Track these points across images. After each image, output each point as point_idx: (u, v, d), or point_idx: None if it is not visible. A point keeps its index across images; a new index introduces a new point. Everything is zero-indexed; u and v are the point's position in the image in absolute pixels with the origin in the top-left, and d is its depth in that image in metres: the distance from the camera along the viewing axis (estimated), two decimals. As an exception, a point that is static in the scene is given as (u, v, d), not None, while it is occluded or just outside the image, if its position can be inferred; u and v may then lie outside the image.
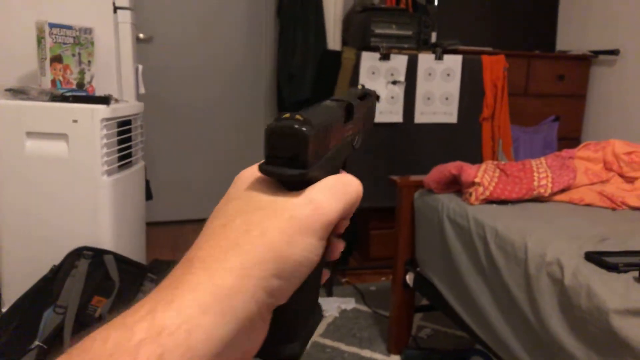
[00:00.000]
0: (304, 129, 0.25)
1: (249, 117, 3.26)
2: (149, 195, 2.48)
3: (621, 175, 1.59)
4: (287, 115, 0.26)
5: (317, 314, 0.31)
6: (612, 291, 0.99)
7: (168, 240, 2.93)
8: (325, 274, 0.31)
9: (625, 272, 1.05)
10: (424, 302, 1.89)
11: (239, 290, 0.23)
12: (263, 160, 0.27)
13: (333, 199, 0.27)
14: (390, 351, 1.78)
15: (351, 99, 0.33)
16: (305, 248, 0.25)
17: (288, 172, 0.26)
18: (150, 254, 2.64)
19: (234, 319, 0.23)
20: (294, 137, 0.25)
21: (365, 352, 1.78)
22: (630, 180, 1.57)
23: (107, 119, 1.54)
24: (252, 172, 0.29)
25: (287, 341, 0.28)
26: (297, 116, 0.26)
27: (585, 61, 2.74)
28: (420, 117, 2.27)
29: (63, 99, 1.51)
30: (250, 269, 0.24)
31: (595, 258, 1.09)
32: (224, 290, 0.23)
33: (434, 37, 2.60)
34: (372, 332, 1.90)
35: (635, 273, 1.03)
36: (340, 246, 0.31)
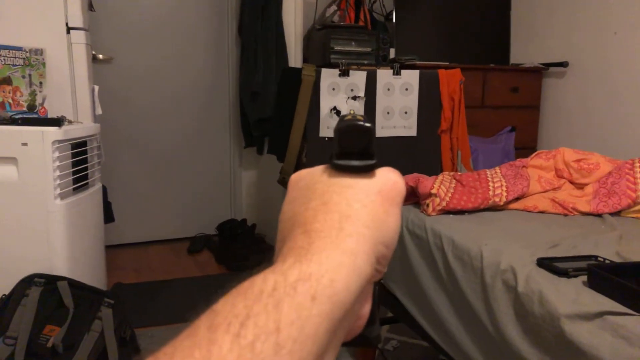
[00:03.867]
0: (368, 124, 0.30)
1: (213, 136, 3.23)
2: (110, 218, 2.42)
3: (571, 182, 1.64)
4: (349, 116, 0.30)
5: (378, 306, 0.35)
6: (562, 296, 1.02)
7: (132, 263, 2.86)
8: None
9: (575, 277, 1.08)
10: (391, 314, 1.89)
11: (360, 252, 0.26)
12: (320, 165, 0.31)
13: (399, 178, 0.31)
14: (357, 366, 1.77)
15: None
16: (396, 218, 0.29)
17: (367, 162, 0.30)
18: (113, 277, 2.57)
19: (359, 276, 0.25)
20: (363, 132, 0.30)
21: (333, 369, 1.76)
22: (580, 186, 1.62)
23: (60, 141, 1.50)
24: (308, 171, 0.32)
25: (370, 324, 0.30)
26: (358, 116, 0.30)
27: (538, 73, 2.84)
28: (380, 131, 2.30)
29: (12, 121, 1.47)
30: (364, 235, 0.27)
31: (546, 264, 1.12)
32: (349, 251, 0.25)
33: (392, 53, 2.66)
34: (339, 347, 1.89)
35: (585, 277, 1.06)
36: None
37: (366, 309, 0.29)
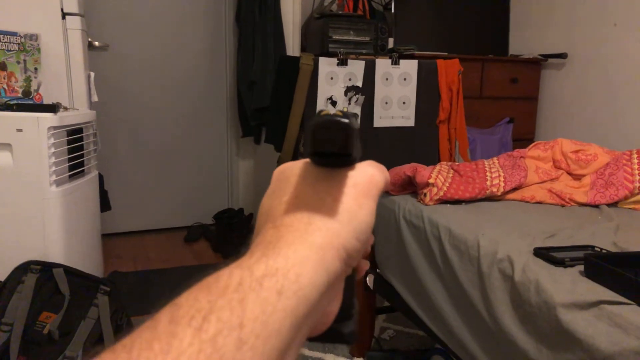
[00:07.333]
0: (346, 120, 0.27)
1: (210, 125, 3.22)
2: (107, 206, 2.41)
3: (569, 173, 1.64)
4: (326, 111, 0.27)
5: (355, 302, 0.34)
6: (559, 286, 1.02)
7: (128, 252, 2.86)
8: (366, 264, 0.35)
9: (572, 266, 1.08)
10: (387, 303, 1.89)
11: (328, 247, 0.25)
12: (302, 159, 0.30)
13: (379, 171, 0.31)
14: (353, 354, 1.78)
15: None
16: (370, 211, 0.29)
17: (340, 160, 0.28)
18: (109, 265, 2.56)
19: (326, 271, 0.25)
20: (340, 130, 0.27)
21: (329, 357, 1.77)
22: (577, 177, 1.62)
23: (55, 128, 1.49)
24: (290, 164, 0.31)
25: (344, 319, 0.30)
26: (338, 111, 0.27)
27: (536, 64, 2.83)
28: (379, 121, 2.29)
29: (7, 107, 1.46)
30: (334, 229, 0.26)
31: (543, 254, 1.12)
32: (316, 246, 0.25)
33: (391, 42, 2.64)
34: (335, 336, 1.89)
35: (581, 267, 1.07)
36: (370, 238, 0.34)
37: (334, 305, 0.28)
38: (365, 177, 0.29)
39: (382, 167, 0.32)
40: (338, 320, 0.29)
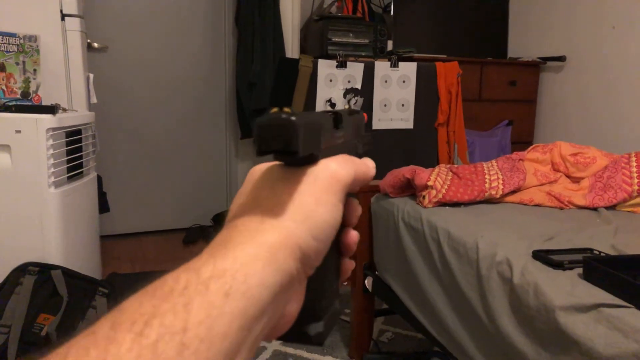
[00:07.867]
0: (292, 118, 0.26)
1: (209, 127, 3.22)
2: (105, 208, 2.41)
3: (568, 176, 1.65)
4: (275, 109, 0.27)
5: (338, 304, 0.33)
6: (558, 288, 1.02)
7: (127, 254, 2.85)
8: (350, 264, 0.34)
9: (571, 269, 1.08)
10: (386, 305, 1.89)
11: (281, 246, 0.25)
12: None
13: (344, 166, 0.29)
14: (351, 356, 1.77)
15: (340, 111, 0.35)
16: (331, 207, 0.27)
17: (291, 158, 0.28)
18: (108, 267, 2.56)
19: (279, 271, 0.24)
20: (283, 128, 0.26)
21: (327, 359, 1.76)
22: (576, 180, 1.62)
23: (54, 129, 1.48)
24: (262, 165, 0.31)
25: (312, 321, 0.29)
26: (285, 109, 0.27)
27: (535, 67, 2.84)
28: (377, 124, 2.30)
29: (5, 108, 1.46)
30: (287, 228, 0.26)
31: (542, 256, 1.12)
32: (267, 245, 0.24)
33: (390, 45, 2.65)
34: (333, 338, 1.89)
35: (580, 270, 1.07)
36: (354, 235, 0.33)
37: (293, 306, 0.27)
38: (326, 172, 0.28)
39: (352, 160, 0.30)
40: (304, 322, 0.29)
